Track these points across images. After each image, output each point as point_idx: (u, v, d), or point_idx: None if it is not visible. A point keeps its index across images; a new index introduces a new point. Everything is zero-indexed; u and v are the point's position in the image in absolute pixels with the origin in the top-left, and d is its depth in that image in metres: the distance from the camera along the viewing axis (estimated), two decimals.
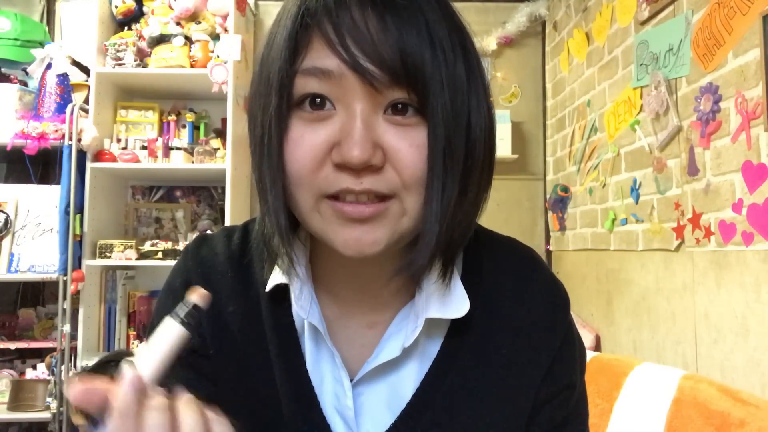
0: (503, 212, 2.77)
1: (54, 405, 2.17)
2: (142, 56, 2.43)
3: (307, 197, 0.50)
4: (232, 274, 0.60)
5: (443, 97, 0.49)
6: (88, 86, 2.39)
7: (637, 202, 1.90)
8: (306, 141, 0.49)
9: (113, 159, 2.35)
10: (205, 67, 2.36)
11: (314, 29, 0.49)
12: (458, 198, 0.51)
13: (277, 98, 0.50)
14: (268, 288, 0.58)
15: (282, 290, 0.58)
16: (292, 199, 0.52)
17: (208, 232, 2.58)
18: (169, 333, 0.41)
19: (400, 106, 0.49)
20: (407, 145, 0.49)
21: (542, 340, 0.59)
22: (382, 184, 0.49)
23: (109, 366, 1.89)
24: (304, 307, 0.56)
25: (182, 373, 0.55)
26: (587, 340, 2.17)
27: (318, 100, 0.49)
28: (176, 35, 2.41)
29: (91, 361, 2.19)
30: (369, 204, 0.49)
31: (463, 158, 0.50)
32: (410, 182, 0.49)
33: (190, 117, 2.56)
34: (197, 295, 0.44)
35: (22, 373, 2.36)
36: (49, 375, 2.27)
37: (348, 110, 0.49)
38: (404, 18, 0.48)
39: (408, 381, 0.58)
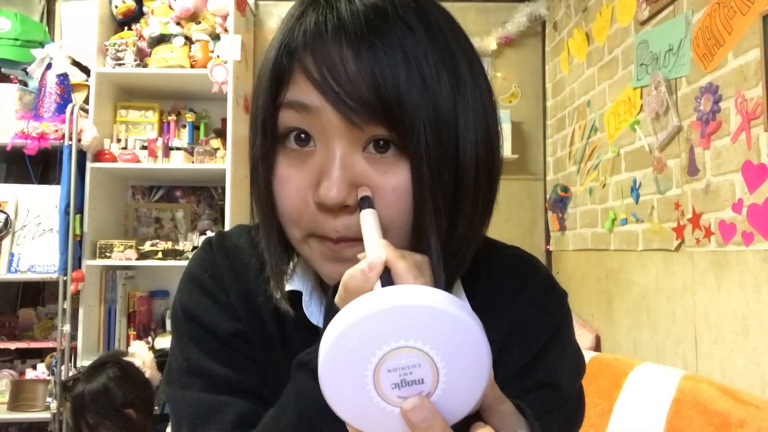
0: (503, 212, 2.76)
1: (54, 405, 2.17)
2: (142, 56, 2.43)
3: (295, 232, 0.52)
4: (259, 266, 0.61)
5: (426, 133, 0.47)
6: (88, 86, 2.39)
7: (637, 202, 1.90)
8: (292, 180, 0.50)
9: (113, 159, 2.36)
10: (205, 67, 2.36)
11: (296, 64, 0.49)
12: (448, 230, 0.50)
13: (261, 134, 0.51)
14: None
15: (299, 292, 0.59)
16: (285, 230, 0.53)
17: (208, 232, 2.55)
18: (369, 216, 0.47)
19: (381, 142, 0.48)
20: (387, 187, 0.48)
21: (530, 339, 0.59)
22: (357, 229, 0.47)
23: (105, 367, 1.88)
24: (314, 314, 0.58)
25: (230, 355, 0.58)
26: (587, 340, 2.16)
27: (303, 135, 0.50)
28: (176, 35, 2.41)
29: (91, 362, 2.19)
30: (350, 244, 0.49)
31: (453, 190, 0.49)
32: (388, 225, 0.48)
33: (190, 117, 2.56)
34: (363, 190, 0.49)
35: (22, 373, 2.36)
36: (49, 375, 2.27)
37: (327, 148, 0.48)
38: (381, 51, 0.46)
39: None
